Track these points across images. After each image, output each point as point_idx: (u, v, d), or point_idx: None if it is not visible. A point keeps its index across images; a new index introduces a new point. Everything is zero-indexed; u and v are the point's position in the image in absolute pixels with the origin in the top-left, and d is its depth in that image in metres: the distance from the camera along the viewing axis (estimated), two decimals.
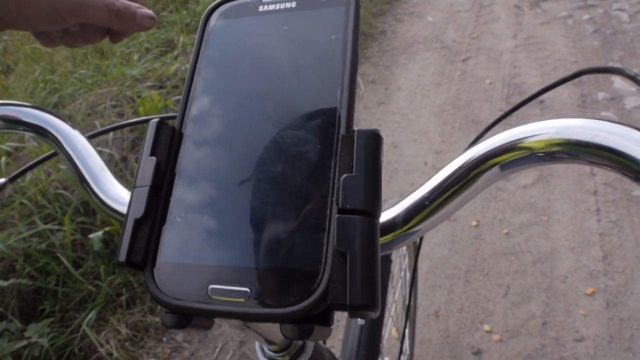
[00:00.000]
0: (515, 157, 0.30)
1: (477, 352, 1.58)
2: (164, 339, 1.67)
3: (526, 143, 0.29)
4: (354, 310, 0.22)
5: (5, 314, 1.58)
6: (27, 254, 1.68)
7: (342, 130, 0.26)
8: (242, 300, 0.24)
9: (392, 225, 0.34)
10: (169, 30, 3.19)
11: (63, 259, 1.68)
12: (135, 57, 2.86)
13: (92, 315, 1.63)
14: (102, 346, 1.57)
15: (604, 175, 2.14)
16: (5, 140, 2.06)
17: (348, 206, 0.24)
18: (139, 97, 2.38)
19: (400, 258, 1.32)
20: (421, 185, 0.34)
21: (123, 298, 1.72)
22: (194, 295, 0.24)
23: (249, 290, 0.24)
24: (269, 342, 0.44)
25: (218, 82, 0.30)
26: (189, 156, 0.28)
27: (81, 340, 1.59)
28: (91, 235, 1.76)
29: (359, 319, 0.90)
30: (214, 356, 1.62)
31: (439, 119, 2.60)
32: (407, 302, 0.83)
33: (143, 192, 0.26)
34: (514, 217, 2.02)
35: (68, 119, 2.13)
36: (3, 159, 1.87)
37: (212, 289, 0.24)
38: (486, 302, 1.73)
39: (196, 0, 3.64)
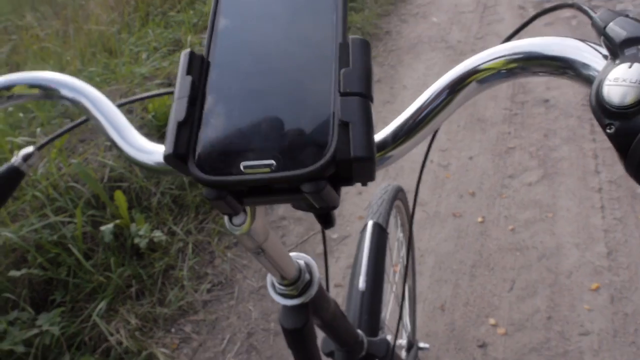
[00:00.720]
0: (486, 74, 0.37)
1: (483, 345, 1.59)
2: (173, 329, 1.69)
3: (493, 64, 0.37)
4: (357, 162, 0.28)
5: (18, 302, 1.60)
6: (39, 245, 1.71)
7: (339, 39, 0.33)
8: (269, 170, 0.29)
9: (383, 144, 0.40)
10: (177, 30, 3.22)
11: (74, 251, 1.71)
12: (144, 55, 2.89)
13: (102, 305, 1.65)
14: (112, 335, 1.59)
15: (608, 173, 2.16)
16: (17, 134, 2.09)
17: (348, 90, 0.30)
18: None
19: (397, 241, 1.35)
20: (409, 105, 0.40)
21: (133, 289, 1.74)
22: (229, 172, 0.30)
23: (273, 162, 0.29)
24: (281, 277, 0.49)
25: (234, 17, 0.36)
26: (216, 77, 0.34)
27: (91, 329, 1.61)
28: (102, 228, 1.78)
29: (360, 286, 0.94)
30: (222, 347, 1.64)
31: None
32: (404, 274, 0.86)
33: (183, 101, 0.32)
34: (520, 214, 2.04)
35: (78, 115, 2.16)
36: (16, 152, 1.90)
37: (244, 165, 0.29)
38: (492, 296, 1.74)
39: (203, 1, 3.67)
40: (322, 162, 0.28)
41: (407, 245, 0.81)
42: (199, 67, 0.34)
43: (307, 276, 0.52)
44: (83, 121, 0.55)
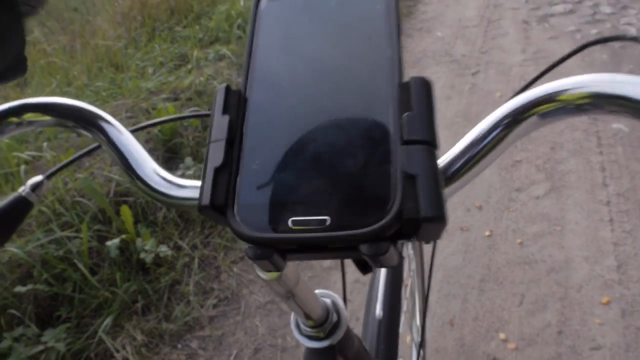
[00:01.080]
0: (549, 108, 0.33)
1: None
2: (179, 345, 1.67)
3: (560, 96, 0.32)
4: (427, 222, 0.25)
5: (23, 319, 1.59)
6: (45, 261, 1.70)
7: (397, 79, 0.30)
8: (322, 227, 0.26)
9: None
10: (183, 45, 3.25)
11: (80, 266, 1.70)
12: (150, 70, 2.91)
13: (108, 321, 1.64)
14: (117, 352, 1.57)
15: (616, 186, 2.15)
16: (24, 148, 2.09)
17: (412, 137, 0.27)
18: (154, 109, 2.42)
19: (407, 258, 1.33)
20: (465, 135, 0.37)
21: (139, 305, 1.73)
22: (276, 228, 0.26)
23: (327, 218, 0.26)
24: (307, 317, 0.45)
25: (275, 51, 0.33)
26: (255, 113, 0.31)
27: (97, 346, 1.60)
28: (108, 243, 1.77)
29: (377, 313, 0.91)
30: None
31: (449, 131, 2.61)
32: (421, 296, 0.84)
33: (220, 144, 0.29)
34: (528, 227, 2.02)
35: None
36: (22, 167, 1.90)
37: (293, 220, 0.26)
38: (501, 311, 1.72)
39: (209, 16, 3.71)
40: (386, 221, 0.25)
41: (421, 283, 0.79)
42: (236, 105, 0.31)
43: (334, 317, 0.49)
44: (95, 148, 0.52)
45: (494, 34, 3.62)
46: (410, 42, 3.63)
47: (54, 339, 1.55)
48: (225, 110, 0.30)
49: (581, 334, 1.61)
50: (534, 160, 2.37)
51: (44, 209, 1.82)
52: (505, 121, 0.34)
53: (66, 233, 1.77)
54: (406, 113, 0.28)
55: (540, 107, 0.33)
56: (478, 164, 0.34)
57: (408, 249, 1.34)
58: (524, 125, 0.34)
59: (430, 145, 0.27)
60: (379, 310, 0.88)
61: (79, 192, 1.92)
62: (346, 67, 0.31)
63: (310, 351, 0.48)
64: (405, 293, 1.28)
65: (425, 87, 0.29)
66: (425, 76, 0.30)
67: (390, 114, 0.29)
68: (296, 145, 0.29)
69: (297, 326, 0.48)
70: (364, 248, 0.25)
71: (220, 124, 0.30)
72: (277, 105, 0.30)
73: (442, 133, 2.56)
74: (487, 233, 2.01)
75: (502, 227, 2.03)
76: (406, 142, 0.27)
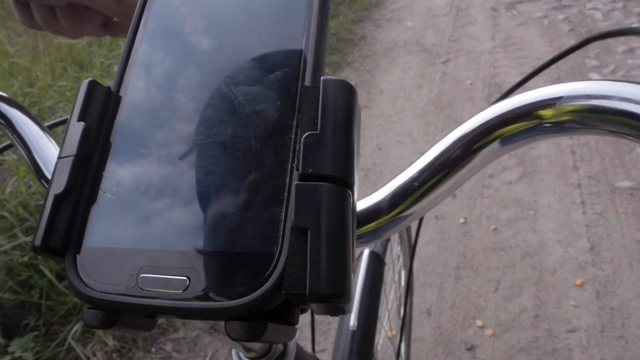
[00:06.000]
0: (518, 129, 0.26)
1: (471, 348, 1.57)
2: (153, 349, 1.63)
3: (532, 112, 0.26)
4: (315, 302, 0.18)
5: None
6: (9, 268, 1.64)
7: (307, 82, 0.21)
8: (179, 292, 0.19)
9: (376, 211, 0.29)
10: None
11: (46, 272, 1.64)
12: (115, 68, 2.83)
13: (77, 327, 1.59)
14: (88, 359, 1.53)
15: (587, 169, 2.17)
16: None
17: (310, 171, 0.19)
18: None
19: (394, 262, 1.31)
20: (411, 163, 0.30)
21: None
22: (122, 287, 0.20)
23: (187, 280, 0.19)
24: (247, 349, 0.40)
25: (164, 36, 0.25)
26: (127, 122, 0.23)
27: (67, 353, 1.55)
28: None
29: (351, 323, 0.88)
30: None
31: (422, 120, 2.61)
32: (402, 307, 0.80)
33: (66, 164, 0.22)
34: (501, 213, 2.03)
35: None
36: None
37: (143, 278, 0.20)
38: (477, 297, 1.72)
39: None
40: (260, 293, 0.18)
41: (406, 272, 0.75)
42: (101, 108, 0.23)
43: (279, 346, 0.43)
44: (6, 147, 0.46)
45: (464, 22, 3.63)
46: (381, 32, 3.62)
47: (22, 348, 1.50)
48: (82, 116, 0.23)
49: (557, 317, 1.62)
50: None
51: (6, 214, 1.75)
52: (459, 149, 0.27)
53: (31, 238, 1.71)
54: (307, 134, 0.20)
55: (506, 129, 0.26)
56: (425, 199, 0.28)
57: (396, 249, 1.31)
58: (479, 156, 0.27)
59: (339, 183, 0.19)
60: (353, 320, 0.84)
61: (43, 196, 1.86)
62: (248, 64, 0.23)
63: None
64: (388, 303, 1.25)
65: (342, 93, 0.20)
66: (344, 79, 0.21)
67: (291, 135, 0.21)
68: (168, 172, 0.21)
69: (238, 356, 0.43)
70: (230, 328, 0.18)
71: (72, 134, 0.22)
72: (156, 112, 0.23)
73: (414, 122, 2.56)
74: (461, 220, 2.01)
75: (476, 214, 2.03)
76: (303, 178, 0.19)
